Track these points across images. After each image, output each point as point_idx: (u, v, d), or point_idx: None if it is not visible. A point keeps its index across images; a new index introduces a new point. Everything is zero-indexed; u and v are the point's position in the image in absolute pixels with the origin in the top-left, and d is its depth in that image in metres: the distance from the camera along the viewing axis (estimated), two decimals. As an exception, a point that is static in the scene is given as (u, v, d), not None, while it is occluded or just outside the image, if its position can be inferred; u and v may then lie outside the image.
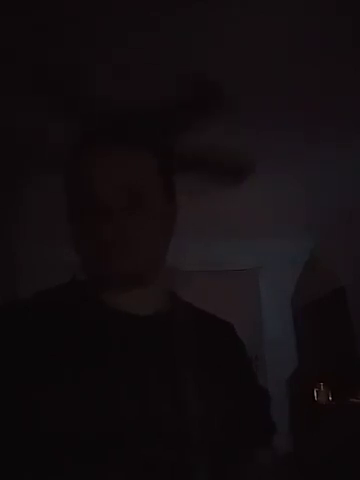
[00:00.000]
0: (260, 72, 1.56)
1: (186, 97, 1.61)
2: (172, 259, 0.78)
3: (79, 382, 0.57)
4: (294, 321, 3.24)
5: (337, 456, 2.14)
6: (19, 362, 0.59)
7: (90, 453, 0.55)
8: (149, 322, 0.67)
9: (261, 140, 1.98)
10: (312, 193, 2.58)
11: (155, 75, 1.54)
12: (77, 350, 0.60)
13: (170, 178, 0.74)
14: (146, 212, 0.66)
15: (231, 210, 2.67)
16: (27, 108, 1.67)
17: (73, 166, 0.69)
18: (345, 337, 2.68)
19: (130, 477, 0.56)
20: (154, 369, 0.63)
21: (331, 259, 2.97)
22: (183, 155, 1.81)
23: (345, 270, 2.78)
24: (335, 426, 2.36)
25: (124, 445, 0.56)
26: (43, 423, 0.56)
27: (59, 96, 1.61)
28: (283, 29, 1.36)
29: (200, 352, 0.68)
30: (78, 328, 0.63)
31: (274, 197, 2.60)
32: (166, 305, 0.72)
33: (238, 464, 0.67)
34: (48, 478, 0.55)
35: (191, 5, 1.25)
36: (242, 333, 0.82)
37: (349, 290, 2.70)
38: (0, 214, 2.41)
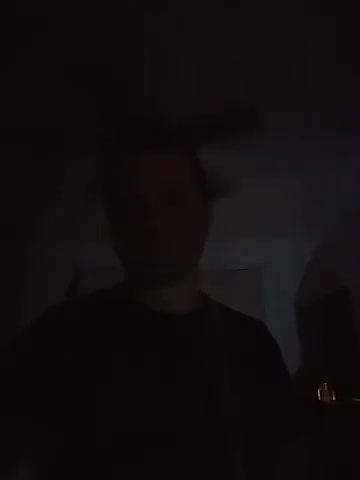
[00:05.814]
0: (260, 73, 1.57)
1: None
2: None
3: (113, 383, 0.58)
4: (297, 321, 3.23)
5: (340, 456, 2.14)
6: (63, 364, 0.59)
7: (131, 452, 0.55)
8: (184, 321, 0.68)
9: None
10: (313, 193, 2.58)
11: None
12: (113, 350, 0.61)
13: (204, 180, 0.75)
14: (182, 211, 0.67)
15: (232, 210, 2.67)
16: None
17: (107, 166, 0.72)
18: (348, 337, 2.68)
19: (171, 473, 0.56)
20: (190, 368, 0.64)
21: (334, 259, 2.96)
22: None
23: (348, 270, 2.78)
24: (338, 426, 2.35)
25: (162, 443, 0.57)
26: (94, 423, 0.56)
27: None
28: (283, 30, 1.37)
29: (235, 350, 0.69)
30: (114, 328, 0.64)
31: (275, 197, 2.61)
32: (198, 304, 0.73)
33: (270, 461, 0.67)
34: (101, 476, 0.56)
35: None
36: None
37: (352, 290, 2.70)
38: (9, 214, 2.43)
